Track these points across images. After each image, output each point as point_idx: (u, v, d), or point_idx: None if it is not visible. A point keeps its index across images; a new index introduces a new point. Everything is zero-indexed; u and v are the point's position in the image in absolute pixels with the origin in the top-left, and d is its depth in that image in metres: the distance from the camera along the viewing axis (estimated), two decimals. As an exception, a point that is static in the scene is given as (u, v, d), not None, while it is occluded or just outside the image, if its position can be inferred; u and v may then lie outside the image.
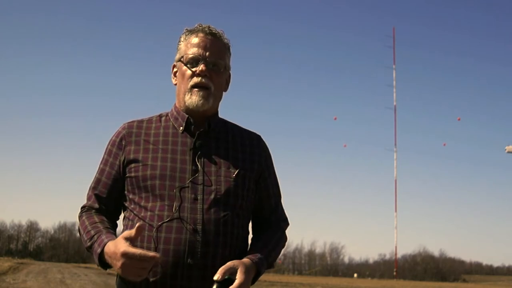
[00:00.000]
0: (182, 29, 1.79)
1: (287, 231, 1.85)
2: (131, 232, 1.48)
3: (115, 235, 1.64)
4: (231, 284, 1.49)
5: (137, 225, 1.47)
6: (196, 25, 1.76)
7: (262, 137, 1.87)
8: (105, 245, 1.54)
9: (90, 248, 1.62)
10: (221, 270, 1.50)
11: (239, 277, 1.50)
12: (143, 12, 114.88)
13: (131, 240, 1.47)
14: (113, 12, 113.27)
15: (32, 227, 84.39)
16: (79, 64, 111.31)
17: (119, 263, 1.47)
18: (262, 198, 1.80)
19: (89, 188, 1.77)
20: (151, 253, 1.43)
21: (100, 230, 1.62)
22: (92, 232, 1.63)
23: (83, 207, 1.75)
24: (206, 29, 1.74)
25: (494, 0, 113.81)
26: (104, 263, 1.57)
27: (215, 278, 1.49)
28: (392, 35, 67.23)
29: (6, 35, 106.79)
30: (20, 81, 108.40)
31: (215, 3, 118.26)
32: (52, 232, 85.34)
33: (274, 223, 1.81)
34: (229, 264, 1.53)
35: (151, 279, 1.58)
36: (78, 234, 1.74)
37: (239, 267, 1.53)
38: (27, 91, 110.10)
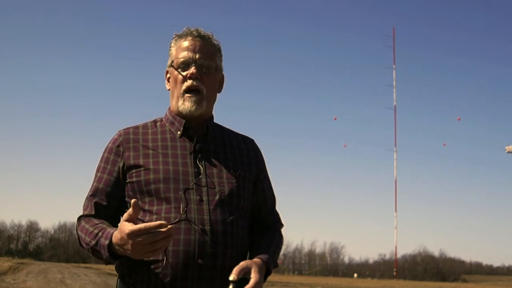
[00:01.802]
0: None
1: (283, 232, 1.88)
2: (129, 211, 1.45)
3: None
4: (246, 283, 1.50)
5: (132, 201, 1.44)
6: (184, 29, 1.77)
7: (255, 141, 1.88)
8: (111, 235, 1.51)
9: (96, 245, 1.56)
10: (236, 270, 1.52)
11: (254, 276, 1.52)
12: (143, 12, 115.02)
13: (132, 221, 1.45)
14: (113, 12, 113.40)
15: (32, 227, 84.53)
16: (79, 64, 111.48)
17: (129, 246, 1.43)
18: (259, 201, 1.82)
19: (86, 198, 1.73)
20: (156, 222, 1.40)
21: (104, 227, 1.59)
22: (96, 231, 1.59)
23: (80, 217, 1.70)
24: (195, 32, 1.75)
25: (494, 0, 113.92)
26: (114, 256, 1.54)
27: (231, 278, 1.50)
28: (392, 35, 67.27)
29: (6, 35, 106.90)
30: (20, 81, 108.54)
31: (215, 3, 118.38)
32: (52, 232, 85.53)
33: (271, 225, 1.84)
34: (242, 264, 1.55)
35: (161, 281, 1.57)
36: (79, 243, 1.69)
37: (252, 266, 1.55)
38: (27, 91, 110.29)
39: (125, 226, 1.43)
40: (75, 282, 18.21)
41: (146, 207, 1.64)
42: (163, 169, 1.65)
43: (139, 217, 1.63)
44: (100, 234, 1.57)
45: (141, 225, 1.40)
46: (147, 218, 1.62)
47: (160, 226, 1.39)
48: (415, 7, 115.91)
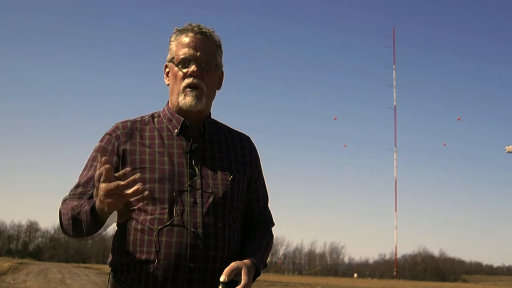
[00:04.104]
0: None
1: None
2: (102, 172, 1.42)
3: None
4: (235, 285, 1.52)
5: (104, 166, 1.40)
6: (186, 24, 1.76)
7: (251, 139, 1.88)
8: (94, 202, 1.48)
9: (78, 214, 1.53)
10: (226, 271, 1.54)
11: (244, 278, 1.54)
12: (143, 12, 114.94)
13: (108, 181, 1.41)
14: (113, 12, 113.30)
15: (32, 227, 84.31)
16: (79, 64, 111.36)
17: (105, 203, 1.42)
18: (252, 200, 1.82)
19: (79, 184, 1.68)
20: (127, 180, 1.38)
21: (87, 200, 1.56)
22: (80, 203, 1.56)
23: (64, 199, 1.66)
24: (196, 28, 1.74)
25: (494, 0, 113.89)
26: (96, 221, 1.50)
27: (222, 279, 1.53)
28: (392, 35, 67.06)
29: (6, 35, 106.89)
30: (20, 81, 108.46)
31: (215, 3, 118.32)
32: (52, 232, 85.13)
33: (263, 224, 1.84)
34: (233, 265, 1.56)
35: (151, 282, 1.59)
36: (60, 223, 1.64)
37: (242, 268, 1.56)
38: (27, 91, 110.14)
39: (101, 188, 1.40)
40: (75, 282, 18.21)
41: (141, 206, 1.64)
42: (159, 169, 1.66)
43: (133, 215, 1.65)
44: (84, 203, 1.54)
45: (114, 183, 1.38)
46: (141, 217, 1.63)
47: (134, 180, 1.39)
48: (415, 7, 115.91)
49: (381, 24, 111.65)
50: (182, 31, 1.75)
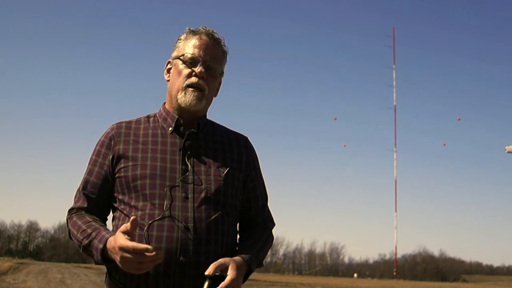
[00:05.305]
0: (182, 29, 1.80)
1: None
2: (127, 225, 1.49)
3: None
4: (222, 280, 1.51)
5: (131, 218, 1.48)
6: (200, 27, 1.79)
7: (249, 139, 1.89)
8: (106, 240, 1.55)
9: (88, 245, 1.60)
10: (212, 266, 1.53)
11: (230, 273, 1.53)
12: (143, 12, 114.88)
13: (128, 234, 1.49)
14: (113, 12, 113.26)
15: (32, 227, 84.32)
16: (79, 64, 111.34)
17: (118, 257, 1.49)
18: (249, 199, 1.83)
19: (77, 190, 1.77)
20: (143, 246, 1.44)
21: (98, 228, 1.62)
22: (89, 230, 1.62)
23: (71, 210, 1.74)
24: (210, 33, 1.77)
25: (494, 0, 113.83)
26: (106, 260, 1.57)
27: (207, 273, 1.52)
28: (392, 35, 67.01)
29: (6, 35, 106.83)
30: (20, 81, 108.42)
31: (215, 3, 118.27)
32: (52, 232, 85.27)
33: (261, 224, 1.84)
34: (220, 260, 1.56)
35: (144, 278, 1.59)
36: (69, 236, 1.74)
37: (230, 263, 1.55)
38: (27, 91, 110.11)
39: (119, 238, 1.48)
40: (75, 282, 18.21)
41: (132, 203, 1.66)
42: (151, 165, 1.68)
43: (125, 212, 1.67)
44: (93, 234, 1.60)
45: (129, 244, 1.45)
46: (133, 213, 1.65)
47: (147, 250, 1.44)
48: (415, 7, 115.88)
49: (381, 24, 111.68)
50: (195, 32, 1.78)
